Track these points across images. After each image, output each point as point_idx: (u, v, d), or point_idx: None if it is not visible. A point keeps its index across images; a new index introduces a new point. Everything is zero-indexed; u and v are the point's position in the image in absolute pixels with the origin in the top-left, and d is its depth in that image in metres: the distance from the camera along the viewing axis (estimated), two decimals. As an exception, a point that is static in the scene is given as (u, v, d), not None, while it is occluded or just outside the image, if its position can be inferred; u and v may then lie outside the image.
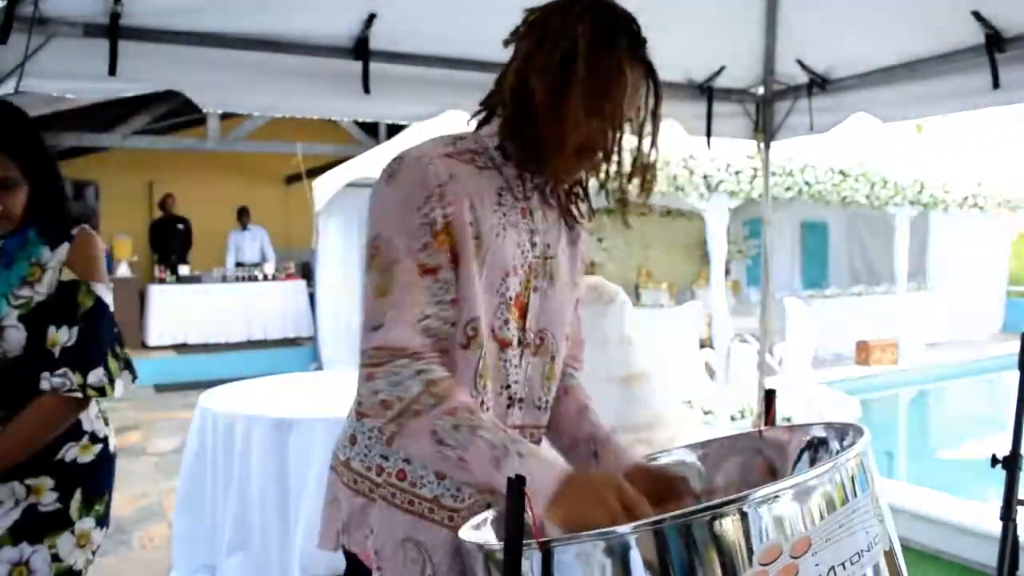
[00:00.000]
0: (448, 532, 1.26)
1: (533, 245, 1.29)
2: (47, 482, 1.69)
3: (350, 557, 1.34)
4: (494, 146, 1.28)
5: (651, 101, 1.25)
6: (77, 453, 1.73)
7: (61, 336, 1.66)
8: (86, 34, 2.35)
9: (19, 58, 2.21)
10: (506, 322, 1.26)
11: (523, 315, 1.29)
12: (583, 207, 1.38)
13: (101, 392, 1.68)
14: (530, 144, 1.25)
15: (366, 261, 1.22)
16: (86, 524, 1.74)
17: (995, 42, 2.68)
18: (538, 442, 1.38)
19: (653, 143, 1.25)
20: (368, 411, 1.21)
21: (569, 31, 1.20)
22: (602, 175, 1.27)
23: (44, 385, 1.63)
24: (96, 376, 1.67)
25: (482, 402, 1.24)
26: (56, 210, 1.72)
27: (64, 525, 1.70)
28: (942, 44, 2.88)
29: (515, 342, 1.28)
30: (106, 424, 1.82)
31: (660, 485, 1.30)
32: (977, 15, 2.65)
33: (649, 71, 1.24)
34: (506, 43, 1.30)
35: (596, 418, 1.47)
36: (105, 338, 1.71)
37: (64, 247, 1.70)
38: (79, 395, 1.65)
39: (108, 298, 1.74)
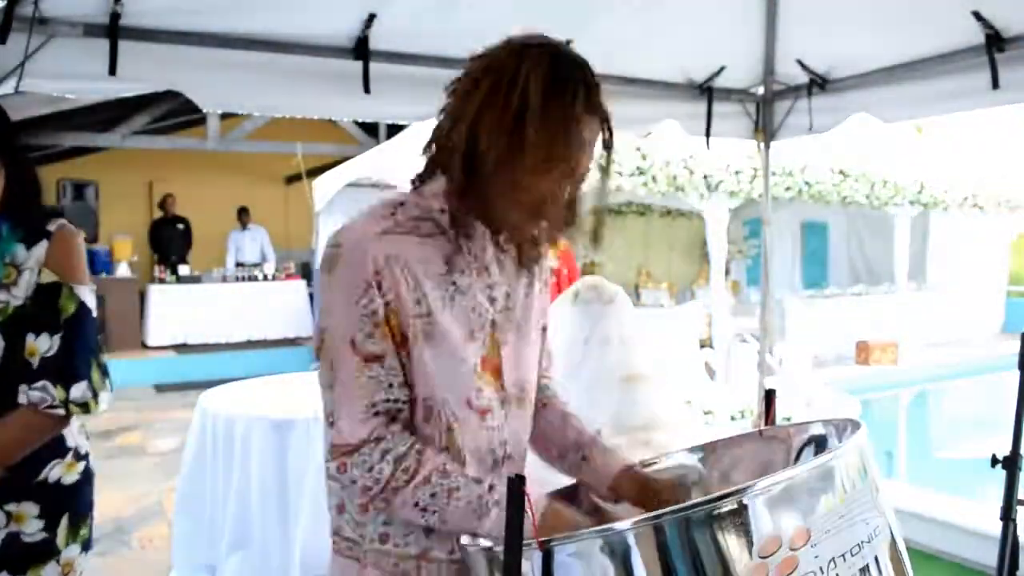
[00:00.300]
0: None
1: (492, 301, 1.26)
2: (31, 509, 1.56)
3: None
4: (439, 208, 1.21)
5: (603, 149, 1.21)
6: (62, 472, 1.60)
7: (41, 345, 1.51)
8: (86, 34, 2.34)
9: (19, 58, 2.20)
10: (479, 390, 1.24)
11: (498, 376, 1.27)
12: (540, 251, 1.33)
13: (85, 408, 1.53)
14: (482, 206, 1.20)
15: (315, 351, 1.23)
16: (72, 552, 1.62)
17: (995, 42, 2.68)
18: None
19: (603, 190, 1.24)
20: (346, 500, 1.26)
21: (521, 85, 1.13)
22: (556, 223, 1.24)
23: (21, 399, 1.48)
24: (79, 390, 1.52)
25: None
26: (31, 203, 1.57)
27: (50, 555, 1.58)
28: (942, 44, 2.88)
29: (496, 405, 1.27)
30: (87, 438, 1.70)
31: (646, 491, 1.33)
32: (977, 15, 2.64)
33: (604, 120, 1.20)
34: (447, 92, 1.22)
35: (579, 423, 1.47)
36: (89, 347, 1.56)
37: (42, 245, 1.54)
38: (61, 412, 1.51)
39: (91, 302, 1.58)
